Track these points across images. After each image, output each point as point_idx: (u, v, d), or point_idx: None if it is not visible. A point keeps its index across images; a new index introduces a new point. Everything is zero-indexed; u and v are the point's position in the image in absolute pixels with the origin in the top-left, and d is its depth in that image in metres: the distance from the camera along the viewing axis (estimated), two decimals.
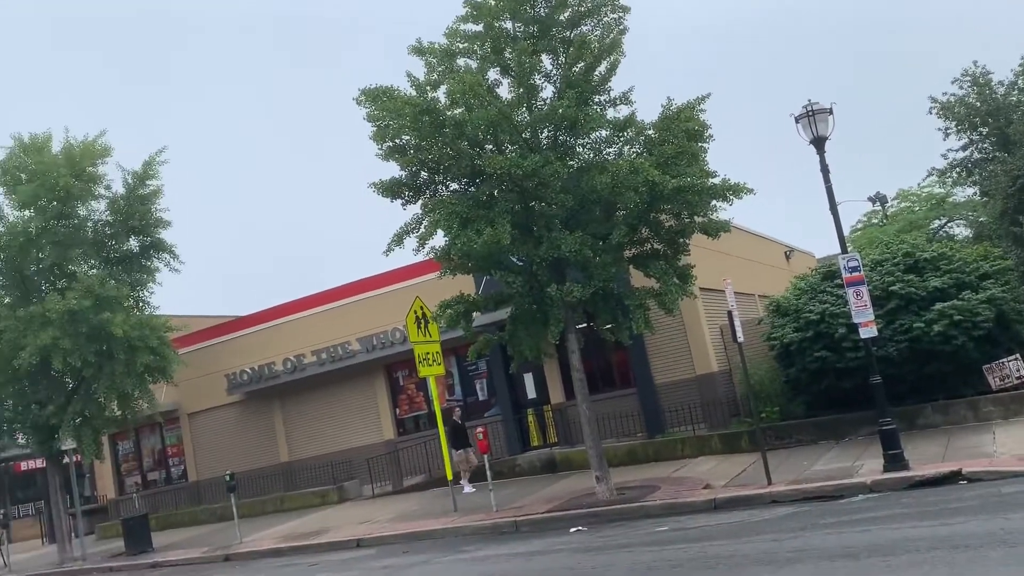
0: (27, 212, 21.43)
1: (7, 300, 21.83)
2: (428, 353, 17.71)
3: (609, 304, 15.73)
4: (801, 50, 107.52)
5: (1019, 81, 36.58)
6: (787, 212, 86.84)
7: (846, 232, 14.17)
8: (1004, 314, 15.67)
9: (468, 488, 18.80)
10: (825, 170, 13.84)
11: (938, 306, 15.42)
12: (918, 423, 15.60)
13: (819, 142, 13.68)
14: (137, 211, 22.25)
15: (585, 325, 18.36)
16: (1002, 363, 15.60)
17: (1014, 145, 35.31)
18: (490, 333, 17.20)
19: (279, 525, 20.55)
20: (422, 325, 17.73)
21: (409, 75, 15.30)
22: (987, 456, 12.32)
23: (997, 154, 38.60)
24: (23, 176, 21.18)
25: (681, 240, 15.66)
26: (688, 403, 19.09)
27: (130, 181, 22.40)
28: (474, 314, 16.71)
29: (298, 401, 26.35)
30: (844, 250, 13.79)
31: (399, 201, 15.81)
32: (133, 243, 23.01)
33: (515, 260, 15.82)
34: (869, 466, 13.15)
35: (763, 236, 28.74)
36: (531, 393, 21.92)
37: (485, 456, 16.90)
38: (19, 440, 22.68)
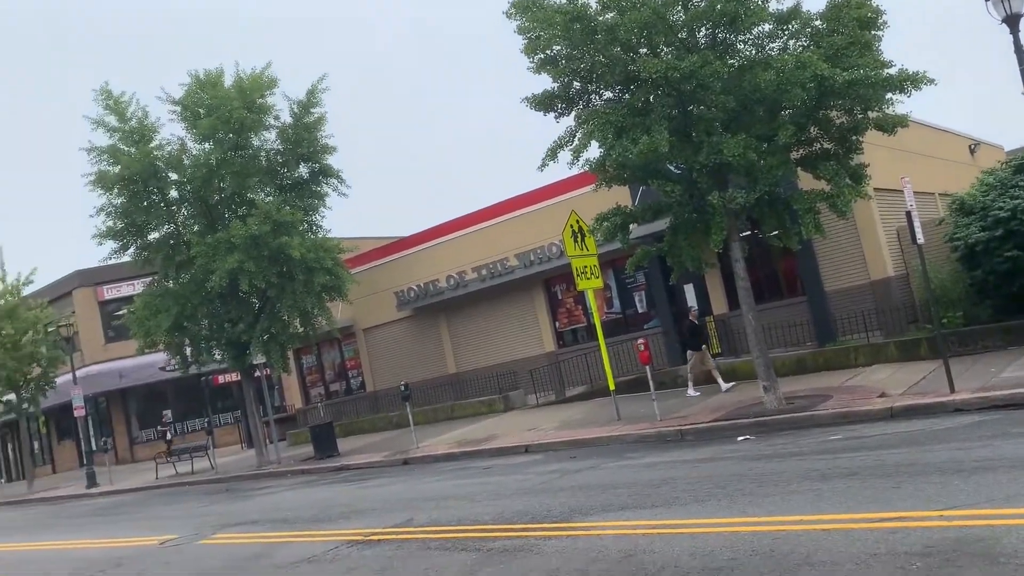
0: (207, 145, 22.95)
1: (196, 228, 23.68)
2: (585, 267, 17.78)
3: (776, 209, 15.15)
4: None
5: None
6: (972, 102, 79.47)
7: None
8: None
9: (693, 392, 18.44)
10: (1019, 50, 12.51)
11: None
12: None
13: (1012, 20, 12.35)
14: (304, 138, 23.34)
15: (749, 232, 17.82)
16: None
17: None
18: (648, 244, 17.01)
19: (450, 432, 21.63)
20: (578, 239, 17.77)
21: None
22: None
23: None
24: (201, 111, 22.62)
25: (853, 138, 14.72)
26: (861, 310, 18.25)
27: (296, 110, 23.46)
28: (631, 226, 16.54)
29: (462, 316, 27.34)
30: None
31: (552, 114, 15.71)
32: (303, 170, 24.23)
33: (673, 168, 15.44)
34: None
35: (944, 129, 26.50)
36: (692, 304, 21.63)
37: (647, 367, 16.94)
38: (216, 356, 24.85)
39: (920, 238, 13.43)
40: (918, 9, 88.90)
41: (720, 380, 18.11)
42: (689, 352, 18.74)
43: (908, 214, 13.50)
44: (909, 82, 13.58)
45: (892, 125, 14.40)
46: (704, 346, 18.79)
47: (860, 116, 14.40)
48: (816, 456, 10.40)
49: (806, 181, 15.48)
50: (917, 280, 17.25)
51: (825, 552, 6.27)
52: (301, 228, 22.93)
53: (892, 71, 13.66)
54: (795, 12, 14.29)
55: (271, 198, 23.34)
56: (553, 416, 20.37)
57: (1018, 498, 6.74)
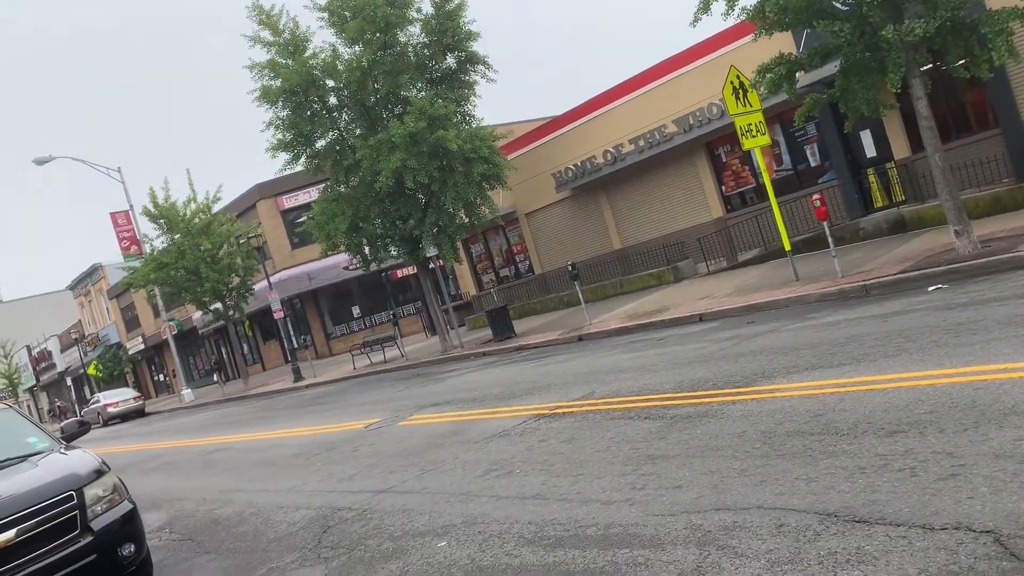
0: (357, 47, 23.39)
1: (359, 132, 24.48)
2: (750, 124, 16.92)
3: (961, 36, 13.66)
4: None
5: None
6: None
7: None
8: None
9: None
10: None
11: None
12: None
13: None
14: (448, 27, 23.28)
15: (931, 66, 16.28)
16: None
17: None
18: (818, 92, 15.92)
19: (621, 307, 21.80)
20: (740, 95, 16.86)
21: None
22: None
23: None
24: (347, 15, 22.96)
25: None
26: None
27: (436, 0, 23.36)
28: (797, 74, 15.49)
29: (622, 190, 27.04)
30: None
31: None
32: (450, 60, 24.28)
33: (839, 5, 14.18)
34: None
35: None
36: (870, 151, 20.26)
37: (824, 223, 16.16)
38: (392, 252, 26.09)
39: None
40: None
41: None
42: None
43: None
44: None
45: None
46: None
47: None
48: (1019, 300, 9.66)
49: (995, 0, 13.79)
50: None
51: None
52: (455, 120, 23.17)
53: None
54: None
55: (423, 93, 23.63)
56: (726, 282, 20.01)
57: None
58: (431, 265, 27.08)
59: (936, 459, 5.29)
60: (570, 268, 21.26)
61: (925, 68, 14.77)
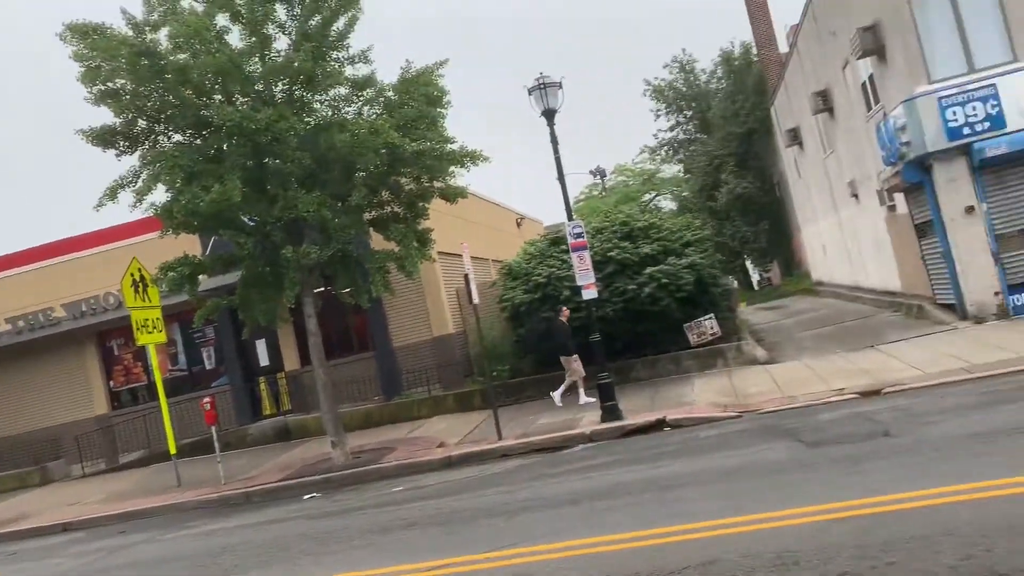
0: None
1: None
2: (147, 319, 16.39)
3: (348, 267, 15.48)
4: (534, 42, 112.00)
5: (718, 71, 40.77)
6: (520, 182, 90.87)
7: (570, 202, 15.04)
8: (702, 278, 17.50)
9: (585, 399, 15.97)
10: (554, 141, 14.55)
11: (648, 270, 16.88)
12: (631, 377, 17.05)
13: (549, 114, 14.34)
14: None
15: (322, 289, 17.98)
16: (699, 322, 17.46)
17: (712, 128, 39.61)
18: (218, 297, 16.25)
19: None
20: (140, 289, 16.37)
21: (124, 12, 13.85)
22: (687, 404, 13.78)
23: (698, 136, 43.07)
24: None
25: (420, 204, 15.75)
26: (425, 365, 19.40)
27: None
28: (200, 277, 15.70)
29: None
30: (570, 217, 14.63)
31: (112, 151, 14.37)
32: None
33: (247, 220, 15.03)
34: (589, 417, 14.18)
35: (498, 203, 29.80)
36: (264, 360, 21.11)
37: (213, 427, 16.02)
38: None
39: (476, 298, 14.76)
40: (481, 96, 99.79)
41: (583, 390, 16.12)
42: (565, 359, 16.36)
43: (466, 276, 14.78)
44: (468, 158, 15.01)
45: (454, 195, 15.72)
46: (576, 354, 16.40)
47: (427, 185, 15.48)
48: (379, 509, 10.64)
49: (377, 242, 16.14)
50: (473, 337, 18.88)
51: None
52: None
53: (454, 146, 14.97)
54: (371, 80, 14.96)
55: None
56: (102, 487, 18.19)
57: (550, 536, 7.54)
58: None
59: None
60: None
61: (318, 290, 16.26)
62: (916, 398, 10.66)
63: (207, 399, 16.57)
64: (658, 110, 43.96)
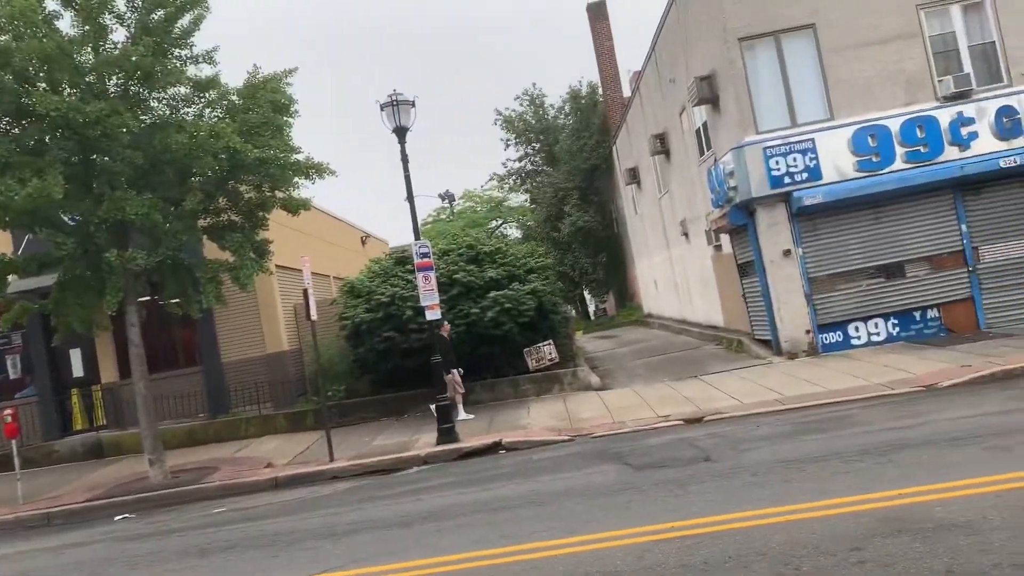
0: None
1: None
2: None
3: (178, 275, 14.67)
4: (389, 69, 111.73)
5: (565, 107, 42.15)
6: (372, 201, 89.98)
7: (418, 223, 15.00)
8: (543, 305, 17.89)
9: (464, 415, 15.63)
10: (404, 159, 14.48)
11: (492, 294, 17.08)
12: (470, 399, 17.08)
13: (401, 131, 14.27)
14: None
15: (149, 297, 16.99)
16: (539, 347, 17.81)
17: (558, 162, 40.84)
18: (30, 300, 14.96)
19: None
20: None
21: None
22: (523, 428, 13.96)
23: (545, 168, 44.28)
24: None
25: (260, 214, 15.20)
26: (255, 382, 18.64)
27: None
28: (10, 277, 14.44)
29: None
30: (417, 237, 14.57)
31: None
32: None
33: (68, 219, 13.99)
34: (425, 439, 14.07)
35: (343, 220, 29.28)
36: (78, 371, 19.61)
37: (13, 441, 14.65)
38: None
39: (314, 314, 14.37)
40: (338, 107, 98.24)
41: (461, 407, 15.88)
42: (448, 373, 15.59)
43: (305, 291, 14.37)
44: (314, 169, 14.66)
45: (297, 207, 15.27)
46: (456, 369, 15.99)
47: (268, 194, 14.97)
48: (198, 531, 10.06)
49: (211, 250, 15.43)
50: (309, 355, 18.35)
51: None
52: None
53: (300, 156, 14.58)
54: (214, 81, 14.34)
55: None
56: None
57: (380, 558, 7.39)
58: None
59: None
60: None
61: (144, 298, 15.31)
62: (734, 426, 11.30)
63: (8, 410, 15.13)
64: (508, 140, 44.88)
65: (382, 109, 14.16)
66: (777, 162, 15.98)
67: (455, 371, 15.83)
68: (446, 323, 15.90)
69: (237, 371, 19.11)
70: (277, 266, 17.72)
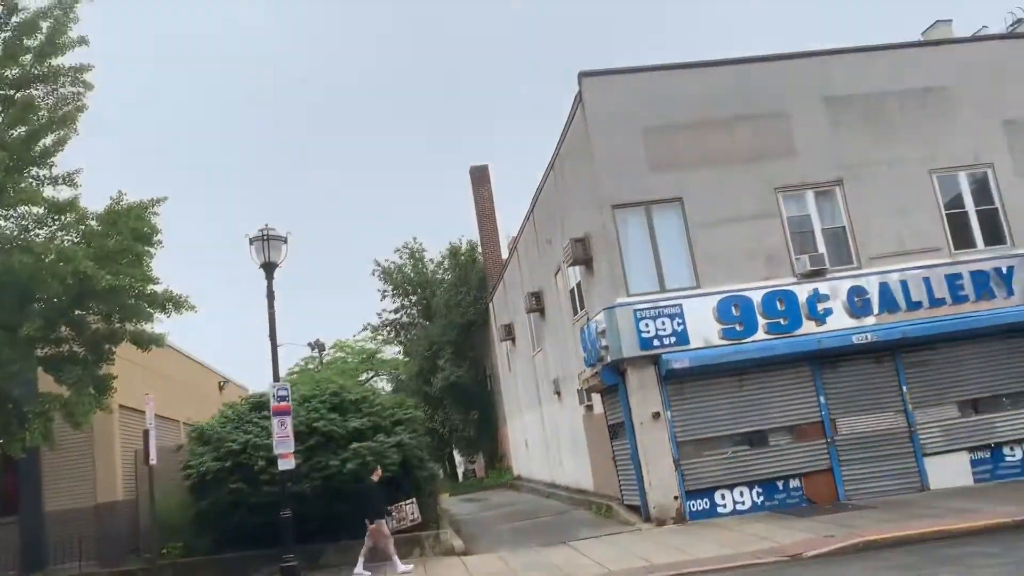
0: None
1: None
2: None
3: (3, 408, 13.19)
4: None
5: (445, 262, 42.68)
6: (230, 347, 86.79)
7: (283, 374, 14.21)
8: (408, 459, 17.00)
9: (403, 567, 14.21)
10: (270, 296, 13.90)
11: (354, 445, 16.10)
12: (320, 562, 15.73)
13: (269, 267, 13.76)
14: None
15: None
16: (400, 506, 16.75)
17: (435, 315, 40.82)
18: None
19: None
20: None
21: None
22: None
23: (421, 321, 44.13)
24: None
25: (107, 346, 14.08)
26: (81, 535, 16.64)
27: None
28: None
29: None
30: (277, 378, 13.76)
31: None
32: None
33: None
34: None
35: (200, 362, 27.74)
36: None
37: None
38: None
39: (154, 459, 13.15)
40: (190, 242, 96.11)
41: (397, 559, 14.35)
42: (376, 525, 14.41)
43: (146, 432, 13.20)
44: (172, 303, 13.83)
45: (149, 342, 14.27)
46: (387, 517, 14.63)
47: (118, 326, 13.95)
48: None
49: (45, 383, 14.05)
50: (145, 506, 16.64)
51: None
52: None
53: (158, 288, 13.75)
54: (73, 204, 13.56)
55: None
56: None
57: None
58: None
59: None
60: None
61: None
62: None
63: None
64: (385, 290, 44.72)
65: (251, 243, 13.67)
66: (647, 324, 16.27)
67: (380, 521, 14.74)
68: (378, 468, 15.06)
69: (61, 521, 17.08)
70: (121, 406, 16.34)
